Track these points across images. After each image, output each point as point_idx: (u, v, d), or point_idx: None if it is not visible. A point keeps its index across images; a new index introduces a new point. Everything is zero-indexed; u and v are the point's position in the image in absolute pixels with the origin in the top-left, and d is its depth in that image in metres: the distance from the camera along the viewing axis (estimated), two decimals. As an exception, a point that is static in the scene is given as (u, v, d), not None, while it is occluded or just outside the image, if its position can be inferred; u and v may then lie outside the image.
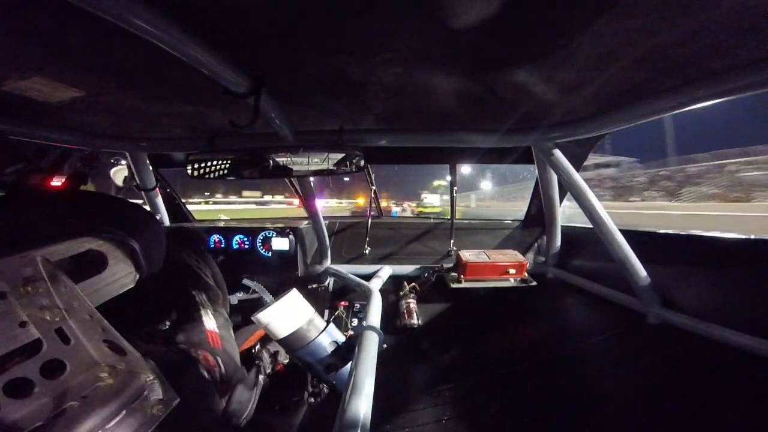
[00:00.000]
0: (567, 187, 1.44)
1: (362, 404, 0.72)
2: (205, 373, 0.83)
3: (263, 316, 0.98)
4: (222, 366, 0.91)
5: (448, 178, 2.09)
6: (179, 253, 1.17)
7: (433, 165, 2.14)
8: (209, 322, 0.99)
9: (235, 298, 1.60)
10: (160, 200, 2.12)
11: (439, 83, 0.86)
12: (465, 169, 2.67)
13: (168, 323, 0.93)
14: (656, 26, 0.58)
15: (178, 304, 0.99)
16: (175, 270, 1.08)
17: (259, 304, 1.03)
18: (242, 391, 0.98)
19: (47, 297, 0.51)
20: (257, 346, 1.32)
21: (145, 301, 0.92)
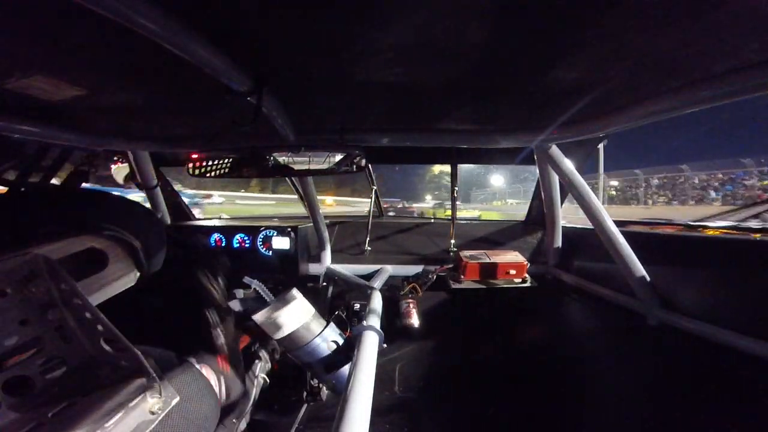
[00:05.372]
0: (568, 188, 1.43)
1: (362, 404, 0.72)
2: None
3: (263, 316, 0.98)
4: (224, 390, 0.91)
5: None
6: (194, 272, 1.19)
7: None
8: (220, 342, 1.02)
9: (236, 299, 1.60)
10: (161, 198, 2.12)
11: (441, 83, 0.86)
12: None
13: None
14: (659, 27, 0.58)
15: (192, 325, 1.01)
16: (191, 292, 1.11)
17: (259, 303, 1.03)
18: (242, 391, 0.98)
19: (48, 295, 0.51)
20: (256, 345, 1.32)
21: (162, 323, 0.94)
